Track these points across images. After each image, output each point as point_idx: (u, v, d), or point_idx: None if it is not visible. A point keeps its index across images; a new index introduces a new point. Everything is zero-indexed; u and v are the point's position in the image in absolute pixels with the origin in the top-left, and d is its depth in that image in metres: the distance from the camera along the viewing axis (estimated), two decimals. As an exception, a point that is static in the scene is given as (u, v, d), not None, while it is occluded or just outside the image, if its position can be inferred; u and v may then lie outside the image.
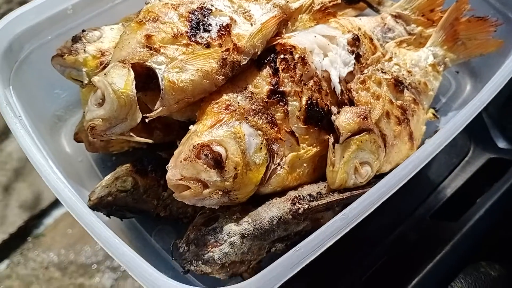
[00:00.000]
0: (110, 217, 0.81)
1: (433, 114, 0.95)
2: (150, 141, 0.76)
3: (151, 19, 0.74)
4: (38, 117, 0.82)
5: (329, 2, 0.89)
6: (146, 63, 0.71)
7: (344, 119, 0.75)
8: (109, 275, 2.35)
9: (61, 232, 2.52)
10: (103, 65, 0.80)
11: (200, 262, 0.69)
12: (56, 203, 2.61)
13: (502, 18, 0.97)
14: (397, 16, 0.99)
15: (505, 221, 0.93)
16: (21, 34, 0.83)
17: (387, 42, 0.96)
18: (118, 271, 2.36)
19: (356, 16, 1.13)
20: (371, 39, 0.92)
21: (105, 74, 0.70)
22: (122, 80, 0.68)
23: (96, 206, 0.77)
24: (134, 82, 0.69)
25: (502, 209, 0.94)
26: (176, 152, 0.70)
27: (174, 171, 0.66)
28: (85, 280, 2.35)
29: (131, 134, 0.72)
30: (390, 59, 0.90)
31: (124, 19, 0.89)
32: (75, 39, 0.81)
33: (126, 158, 0.92)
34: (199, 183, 0.66)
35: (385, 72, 0.87)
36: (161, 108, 0.71)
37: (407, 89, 0.88)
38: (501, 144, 1.06)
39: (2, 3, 3.35)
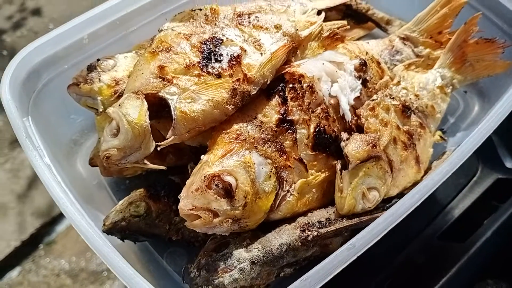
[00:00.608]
0: (124, 241, 0.84)
1: (441, 137, 0.97)
2: (163, 168, 0.78)
3: (164, 49, 0.77)
4: (55, 142, 0.85)
5: (338, 28, 0.91)
6: (159, 94, 0.74)
7: (354, 147, 0.77)
8: (119, 282, 2.38)
9: (72, 239, 2.56)
10: (118, 94, 0.82)
11: (210, 287, 0.72)
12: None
13: (509, 40, 0.98)
14: (405, 38, 1.01)
15: (512, 241, 0.95)
16: (39, 65, 0.86)
17: (395, 65, 0.98)
18: (128, 278, 2.39)
19: (364, 36, 1.16)
20: (378, 63, 0.94)
21: (119, 105, 0.73)
22: (136, 111, 0.71)
23: (111, 230, 0.80)
24: (148, 113, 0.72)
25: (509, 230, 0.95)
26: (188, 182, 0.72)
27: (186, 201, 0.69)
28: (96, 287, 2.39)
29: (145, 161, 0.75)
30: (398, 83, 0.92)
31: (137, 46, 0.92)
32: (90, 68, 0.84)
33: (139, 181, 0.95)
34: (210, 212, 0.69)
35: (393, 98, 0.89)
36: (173, 137, 0.74)
37: (414, 114, 0.90)
38: (509, 164, 1.08)
39: (15, 12, 3.41)
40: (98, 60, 0.86)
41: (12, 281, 2.46)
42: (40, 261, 2.51)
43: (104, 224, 0.81)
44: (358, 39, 1.13)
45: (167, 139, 0.74)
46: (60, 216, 2.62)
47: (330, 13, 1.05)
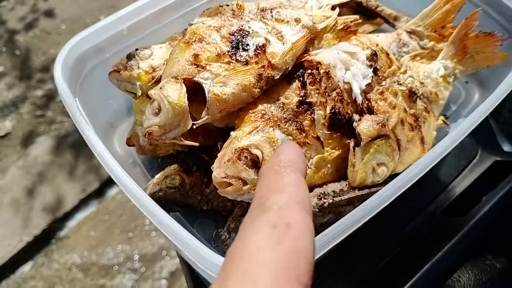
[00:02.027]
0: (159, 210, 0.96)
1: (443, 121, 1.08)
2: (196, 144, 0.89)
3: (197, 39, 0.89)
4: (96, 124, 0.96)
5: (351, 22, 1.03)
6: (195, 79, 0.86)
7: (365, 126, 0.89)
8: (130, 276, 2.49)
9: (84, 234, 2.67)
10: (155, 79, 0.95)
11: (239, 248, 0.84)
12: (79, 207, 2.77)
13: (507, 33, 1.09)
14: (411, 32, 1.13)
15: (508, 216, 1.07)
16: (84, 53, 1.00)
17: (402, 56, 1.09)
18: (138, 272, 2.50)
19: (373, 31, 1.28)
20: (387, 54, 1.06)
21: (160, 88, 0.85)
22: (176, 93, 0.83)
23: (150, 200, 0.92)
24: (186, 95, 0.84)
25: (505, 206, 1.07)
26: (219, 154, 0.84)
27: (219, 170, 0.80)
28: (107, 281, 2.49)
29: (181, 138, 0.87)
30: (405, 71, 1.04)
31: (170, 38, 1.05)
32: (130, 57, 0.96)
33: (170, 160, 1.07)
34: (240, 181, 0.80)
35: (400, 84, 1.01)
36: (206, 116, 0.86)
37: (420, 99, 1.02)
38: (507, 147, 1.19)
39: (27, 13, 3.55)
40: (137, 49, 0.97)
41: (25, 275, 2.56)
42: (52, 255, 2.61)
43: (142, 195, 0.93)
44: (368, 33, 1.25)
45: (201, 118, 0.86)
46: (71, 212, 2.74)
47: (341, 10, 1.16)
